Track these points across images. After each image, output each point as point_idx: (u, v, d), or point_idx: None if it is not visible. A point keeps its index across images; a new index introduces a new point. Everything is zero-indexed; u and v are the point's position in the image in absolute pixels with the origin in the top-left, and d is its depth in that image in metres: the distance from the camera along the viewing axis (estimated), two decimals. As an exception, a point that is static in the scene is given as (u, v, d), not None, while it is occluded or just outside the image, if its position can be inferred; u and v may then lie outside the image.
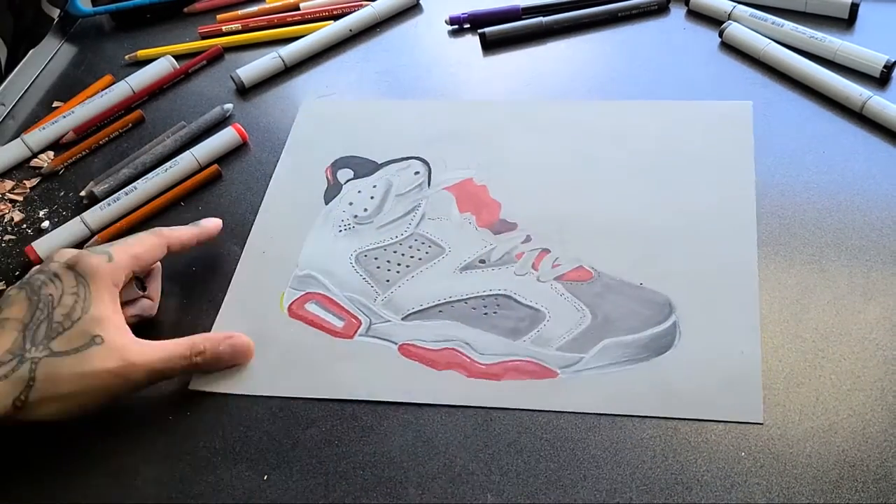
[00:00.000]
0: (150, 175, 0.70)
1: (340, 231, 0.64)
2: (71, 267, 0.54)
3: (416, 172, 0.68)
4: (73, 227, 0.67)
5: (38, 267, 0.56)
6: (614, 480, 0.49)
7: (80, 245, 0.66)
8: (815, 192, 0.62)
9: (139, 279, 0.60)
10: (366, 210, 0.65)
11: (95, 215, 0.68)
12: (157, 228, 0.60)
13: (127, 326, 0.54)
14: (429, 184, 0.67)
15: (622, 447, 0.50)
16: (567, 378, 0.54)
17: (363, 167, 0.69)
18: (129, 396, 0.53)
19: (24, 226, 0.69)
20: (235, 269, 0.63)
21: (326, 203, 0.67)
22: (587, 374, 0.54)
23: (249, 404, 0.56)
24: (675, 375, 0.53)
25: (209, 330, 0.60)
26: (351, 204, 0.66)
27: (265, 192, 0.68)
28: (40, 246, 0.66)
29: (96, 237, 0.66)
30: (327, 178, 0.68)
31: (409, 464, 0.52)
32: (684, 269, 0.58)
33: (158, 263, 0.62)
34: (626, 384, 0.53)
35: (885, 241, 0.58)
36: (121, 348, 0.52)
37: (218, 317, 0.60)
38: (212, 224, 0.63)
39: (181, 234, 0.60)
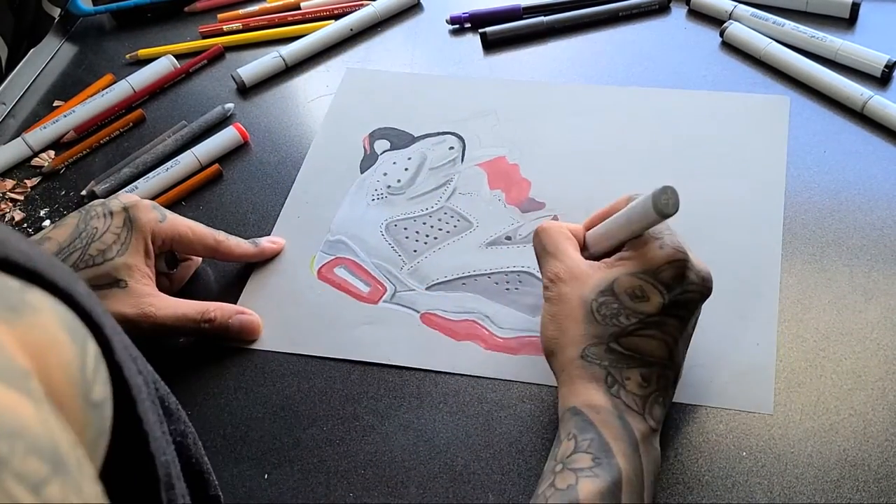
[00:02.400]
0: (150, 174, 0.70)
1: (373, 200, 0.66)
2: (126, 209, 0.56)
3: (451, 147, 0.68)
4: (74, 227, 0.67)
5: (103, 200, 0.58)
6: (615, 480, 0.49)
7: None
8: (816, 192, 0.61)
9: (174, 258, 0.61)
10: (399, 181, 0.67)
11: (96, 214, 0.68)
12: (219, 231, 0.61)
13: (152, 281, 0.56)
14: (462, 159, 0.68)
15: (623, 446, 0.50)
16: None
17: (400, 139, 0.70)
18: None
19: (25, 225, 0.69)
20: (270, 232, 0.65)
21: (362, 172, 0.68)
22: None
23: (251, 403, 0.56)
24: (688, 363, 0.53)
25: (241, 291, 0.61)
26: (385, 174, 0.67)
27: (304, 159, 0.69)
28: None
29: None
30: (364, 147, 0.70)
31: (411, 463, 0.52)
32: (709, 257, 0.58)
33: (199, 261, 0.63)
34: None
35: (886, 241, 0.58)
36: (141, 297, 0.54)
37: (251, 278, 0.62)
38: (269, 248, 0.63)
39: (236, 246, 0.61)
